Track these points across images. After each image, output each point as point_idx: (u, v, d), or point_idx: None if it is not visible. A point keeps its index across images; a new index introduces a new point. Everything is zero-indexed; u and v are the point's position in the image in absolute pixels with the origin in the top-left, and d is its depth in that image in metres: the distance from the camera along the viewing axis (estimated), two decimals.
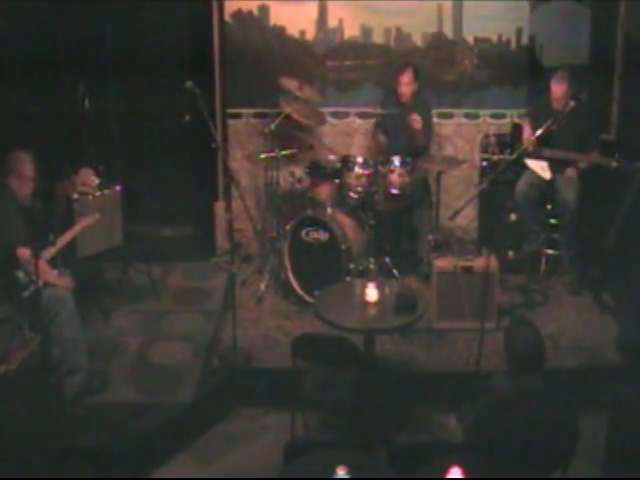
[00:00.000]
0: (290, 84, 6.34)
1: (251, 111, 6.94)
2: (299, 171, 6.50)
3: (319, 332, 4.89)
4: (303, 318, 5.79)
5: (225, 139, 6.88)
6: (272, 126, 6.25)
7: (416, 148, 6.30)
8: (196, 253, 6.85)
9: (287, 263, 6.03)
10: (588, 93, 6.64)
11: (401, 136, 6.38)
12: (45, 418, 4.37)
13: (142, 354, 5.48)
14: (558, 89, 6.05)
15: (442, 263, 5.72)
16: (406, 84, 6.33)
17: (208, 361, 5.41)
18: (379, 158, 6.18)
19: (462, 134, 6.97)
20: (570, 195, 6.09)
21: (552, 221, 6.35)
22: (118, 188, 5.84)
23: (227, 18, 6.74)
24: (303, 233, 5.98)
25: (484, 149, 6.65)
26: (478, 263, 5.59)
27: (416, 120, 6.14)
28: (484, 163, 6.56)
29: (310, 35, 6.81)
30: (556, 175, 6.13)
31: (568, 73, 6.12)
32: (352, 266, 5.86)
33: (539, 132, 5.47)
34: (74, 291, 5.02)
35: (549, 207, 6.32)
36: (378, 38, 6.80)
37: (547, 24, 6.75)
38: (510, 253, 6.43)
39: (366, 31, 6.80)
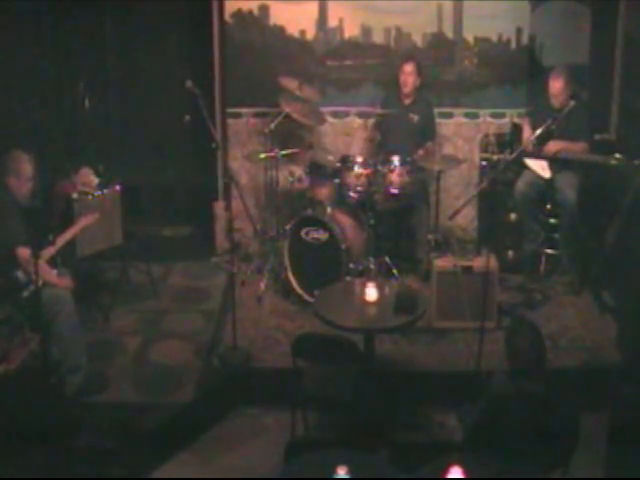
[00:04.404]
0: (290, 84, 6.33)
1: (251, 111, 6.94)
2: (299, 171, 6.49)
3: (319, 332, 4.89)
4: (303, 318, 5.78)
5: (225, 139, 6.87)
6: (272, 126, 6.26)
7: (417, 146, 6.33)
8: (196, 253, 6.84)
9: (287, 263, 6.02)
10: (588, 92, 6.64)
11: (401, 136, 6.38)
12: (45, 418, 4.37)
13: (142, 354, 5.48)
14: (555, 85, 6.04)
15: (442, 263, 5.72)
16: (408, 73, 6.34)
17: (208, 361, 5.41)
18: (377, 157, 6.18)
19: (462, 134, 6.97)
20: (570, 195, 6.09)
21: (552, 221, 6.34)
22: (118, 188, 5.84)
23: (227, 18, 6.73)
24: (303, 233, 5.97)
25: (484, 149, 6.66)
26: (478, 263, 5.59)
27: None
28: (484, 163, 6.57)
29: (310, 35, 6.81)
30: (556, 175, 6.14)
31: (565, 70, 6.10)
32: (352, 266, 5.85)
33: (539, 132, 5.46)
34: (74, 291, 5.02)
35: (549, 207, 6.32)
36: (378, 38, 6.80)
37: (547, 24, 6.75)
38: (510, 253, 6.43)
39: (366, 31, 6.80)
